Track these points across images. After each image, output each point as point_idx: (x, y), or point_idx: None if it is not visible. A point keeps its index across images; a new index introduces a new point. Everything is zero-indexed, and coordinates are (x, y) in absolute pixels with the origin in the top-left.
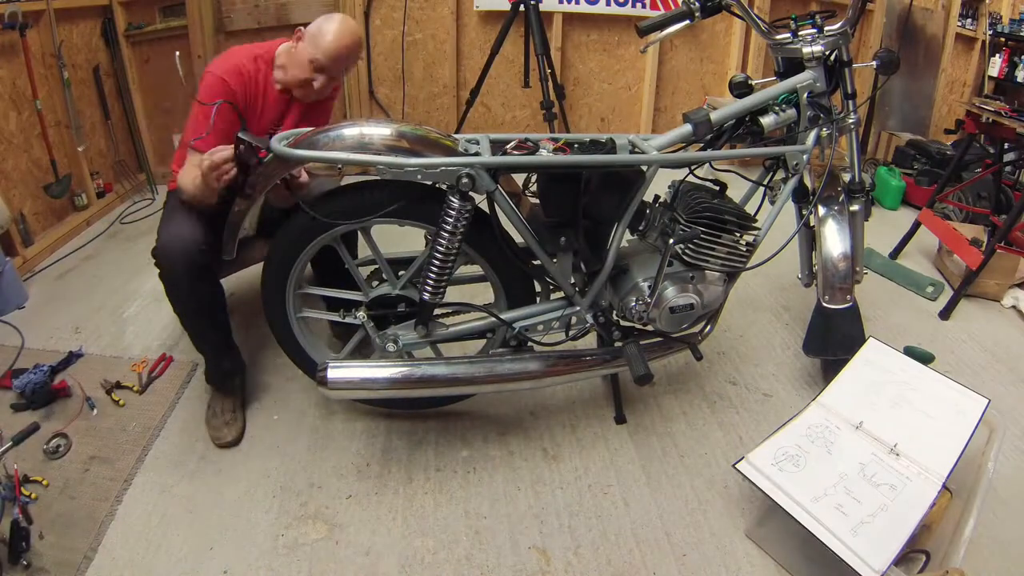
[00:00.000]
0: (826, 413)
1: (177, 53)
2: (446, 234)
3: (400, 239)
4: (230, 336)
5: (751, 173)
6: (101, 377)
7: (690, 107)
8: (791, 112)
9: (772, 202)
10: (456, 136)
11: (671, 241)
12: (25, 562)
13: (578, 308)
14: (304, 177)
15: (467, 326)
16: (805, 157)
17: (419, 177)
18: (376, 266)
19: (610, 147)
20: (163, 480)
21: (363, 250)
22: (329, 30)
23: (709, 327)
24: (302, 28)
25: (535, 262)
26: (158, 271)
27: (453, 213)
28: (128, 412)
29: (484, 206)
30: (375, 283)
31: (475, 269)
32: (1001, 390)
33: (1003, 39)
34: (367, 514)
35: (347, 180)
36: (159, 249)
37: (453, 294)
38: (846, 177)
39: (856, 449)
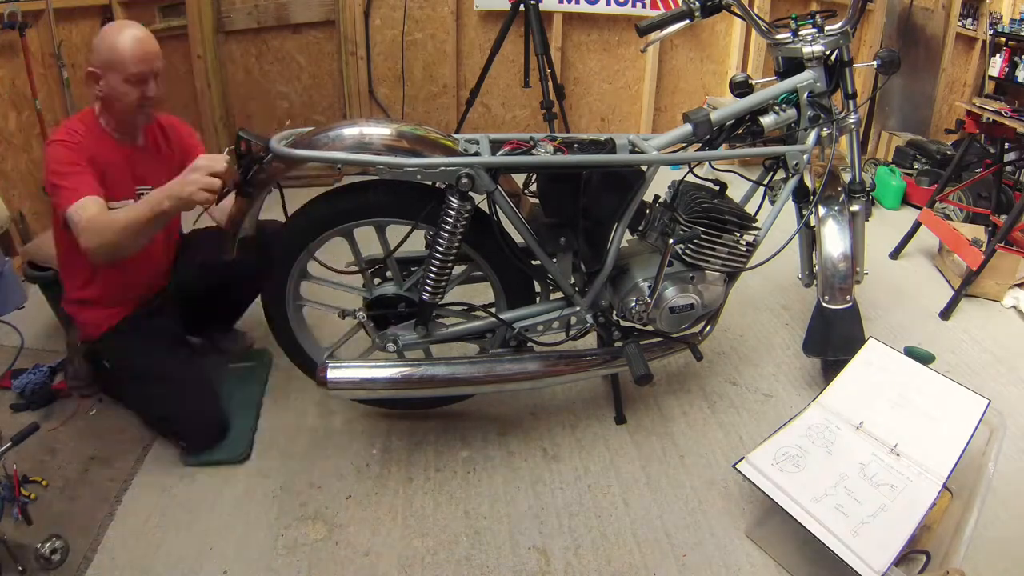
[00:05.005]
0: (826, 413)
1: None
2: (446, 234)
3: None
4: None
5: (751, 173)
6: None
7: (690, 107)
8: (791, 112)
9: (772, 202)
10: (456, 136)
11: (671, 241)
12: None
13: (578, 308)
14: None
15: (467, 326)
16: (805, 157)
17: (419, 177)
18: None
19: (610, 147)
20: (163, 480)
21: (369, 248)
22: (118, 43)
23: (709, 327)
24: (92, 69)
25: (535, 262)
26: None
27: (453, 213)
28: (128, 412)
29: (484, 206)
30: (376, 282)
31: (475, 269)
32: (1001, 390)
33: (1003, 39)
34: (367, 514)
35: (347, 180)
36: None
37: (453, 294)
38: (846, 177)
39: (856, 449)
